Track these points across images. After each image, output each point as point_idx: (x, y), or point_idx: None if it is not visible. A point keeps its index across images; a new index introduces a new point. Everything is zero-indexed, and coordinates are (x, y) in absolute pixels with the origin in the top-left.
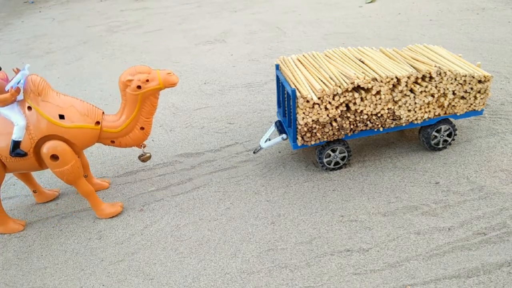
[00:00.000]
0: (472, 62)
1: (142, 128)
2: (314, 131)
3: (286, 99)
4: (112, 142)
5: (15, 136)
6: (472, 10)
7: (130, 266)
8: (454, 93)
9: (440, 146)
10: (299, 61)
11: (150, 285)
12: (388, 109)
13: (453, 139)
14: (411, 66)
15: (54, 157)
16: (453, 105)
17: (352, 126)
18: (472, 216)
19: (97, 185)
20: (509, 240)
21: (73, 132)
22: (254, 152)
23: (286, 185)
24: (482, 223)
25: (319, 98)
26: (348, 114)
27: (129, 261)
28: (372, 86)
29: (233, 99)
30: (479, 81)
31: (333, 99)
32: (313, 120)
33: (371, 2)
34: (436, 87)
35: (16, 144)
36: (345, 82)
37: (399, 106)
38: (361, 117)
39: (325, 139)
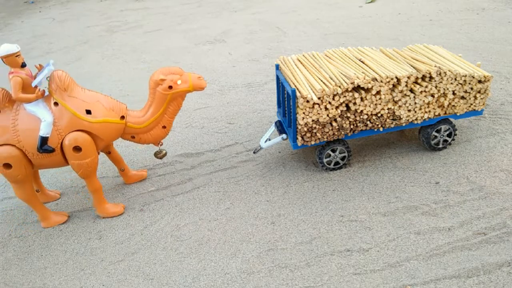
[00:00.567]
0: (472, 62)
1: (164, 127)
2: (314, 131)
3: (286, 99)
4: (133, 137)
5: (43, 132)
6: (472, 10)
7: (130, 266)
8: (454, 93)
9: (440, 146)
10: (299, 61)
11: (150, 285)
12: (388, 109)
13: (453, 139)
14: (411, 66)
15: (77, 148)
16: (453, 105)
17: (352, 126)
18: (472, 216)
19: (135, 176)
20: (509, 240)
21: (100, 127)
22: (254, 152)
23: (286, 185)
24: (482, 223)
25: (319, 98)
26: (348, 114)
27: (129, 261)
28: (372, 86)
29: (233, 99)
30: (479, 81)
31: (333, 99)
32: (313, 120)
33: (371, 2)
34: (436, 87)
35: (44, 140)
36: (345, 82)
37: (399, 106)
38: (361, 117)
39: (325, 139)
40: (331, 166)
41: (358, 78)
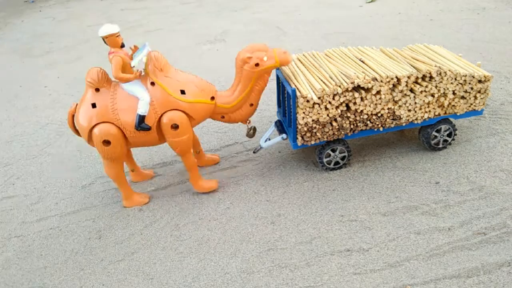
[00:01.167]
0: (472, 62)
1: (251, 105)
2: (314, 131)
3: (286, 99)
4: (222, 117)
5: (141, 111)
6: (472, 10)
7: (130, 266)
8: (454, 93)
9: (440, 146)
10: (299, 60)
11: (150, 285)
12: (388, 109)
13: (453, 139)
14: (411, 66)
15: (174, 126)
16: (453, 105)
17: (352, 126)
18: (472, 216)
19: (209, 160)
20: (509, 240)
21: (193, 107)
22: (254, 152)
23: (286, 185)
24: (482, 223)
25: (319, 98)
26: (348, 114)
27: (129, 261)
28: (372, 86)
29: None
30: (479, 81)
31: (333, 98)
32: (313, 120)
33: (371, 2)
34: (436, 87)
35: (141, 119)
36: (345, 81)
37: (399, 106)
38: (361, 117)
39: (325, 139)
40: (331, 165)
41: (358, 77)
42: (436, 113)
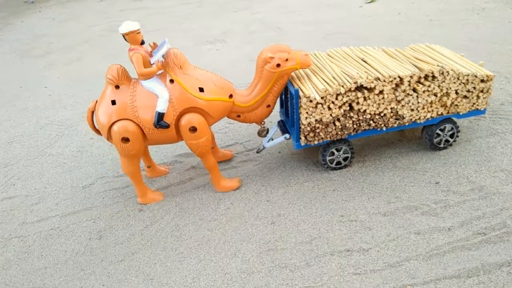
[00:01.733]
0: (473, 62)
1: (268, 106)
2: (317, 130)
3: (289, 99)
4: (238, 116)
5: (160, 108)
6: (472, 10)
7: (130, 266)
8: (457, 93)
9: (441, 145)
10: None
11: (150, 285)
12: (391, 108)
13: (455, 140)
14: (414, 65)
15: (192, 129)
16: (456, 105)
17: (355, 126)
18: (472, 216)
19: (223, 156)
20: (509, 240)
21: (211, 105)
22: (257, 152)
23: (286, 185)
24: (482, 223)
25: (322, 98)
26: (351, 114)
27: (129, 261)
28: (375, 86)
29: None
30: (482, 81)
31: (336, 98)
32: (316, 120)
33: (371, 2)
34: (439, 86)
35: (160, 116)
36: (348, 81)
37: (402, 106)
38: (364, 116)
39: (328, 139)
40: (333, 165)
41: (361, 77)
42: (439, 113)
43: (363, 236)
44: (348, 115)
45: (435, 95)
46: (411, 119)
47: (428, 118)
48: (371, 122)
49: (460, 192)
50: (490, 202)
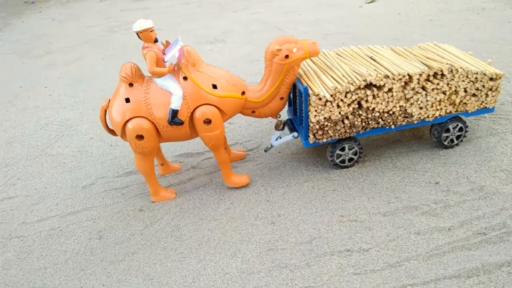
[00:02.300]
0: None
1: (281, 98)
2: (326, 128)
3: (298, 97)
4: (253, 112)
5: (174, 105)
6: (472, 10)
7: (130, 266)
8: (465, 91)
9: (447, 143)
10: (310, 59)
11: (150, 285)
12: (400, 106)
13: (461, 141)
14: (423, 63)
15: (207, 121)
16: (465, 103)
17: (363, 124)
18: (472, 216)
19: (236, 157)
20: (509, 240)
21: (225, 101)
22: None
23: (286, 185)
24: (482, 223)
25: (331, 96)
26: (360, 112)
27: (129, 261)
28: (384, 84)
29: None
30: (491, 79)
31: (345, 96)
32: (325, 118)
33: (371, 2)
34: (447, 84)
35: (174, 113)
36: (357, 79)
37: (411, 104)
38: (373, 114)
39: (337, 137)
40: (345, 163)
41: (370, 75)
42: (448, 111)
43: (363, 236)
44: (357, 113)
45: (444, 93)
46: (419, 117)
47: (436, 116)
48: (380, 120)
49: (460, 192)
50: (490, 202)
